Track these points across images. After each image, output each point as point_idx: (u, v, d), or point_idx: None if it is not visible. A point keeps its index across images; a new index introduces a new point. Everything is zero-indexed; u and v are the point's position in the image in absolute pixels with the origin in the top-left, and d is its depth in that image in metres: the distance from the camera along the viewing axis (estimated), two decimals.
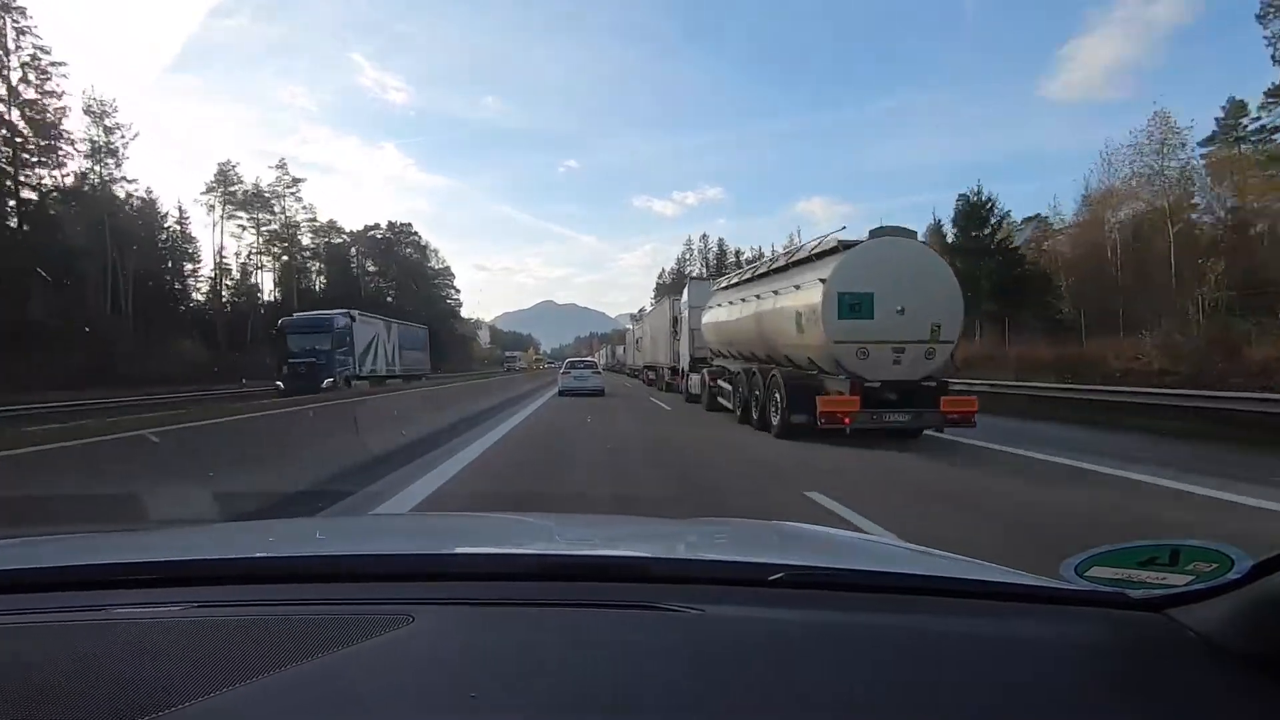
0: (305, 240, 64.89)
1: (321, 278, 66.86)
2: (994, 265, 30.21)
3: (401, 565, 0.96)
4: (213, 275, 56.10)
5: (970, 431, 8.35)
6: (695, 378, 16.46)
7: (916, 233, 8.39)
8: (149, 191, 51.70)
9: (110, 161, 45.19)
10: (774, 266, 10.90)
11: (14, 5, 36.73)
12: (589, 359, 30.21)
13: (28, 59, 37.35)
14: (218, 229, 56.64)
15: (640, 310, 65.87)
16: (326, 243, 67.81)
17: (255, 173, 61.35)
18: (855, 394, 8.05)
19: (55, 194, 40.87)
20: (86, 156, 43.68)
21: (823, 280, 8.25)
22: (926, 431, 8.70)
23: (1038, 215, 36.97)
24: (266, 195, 60.51)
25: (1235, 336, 17.53)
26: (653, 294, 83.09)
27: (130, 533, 1.89)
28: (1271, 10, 26.08)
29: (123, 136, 45.23)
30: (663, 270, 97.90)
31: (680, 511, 4.06)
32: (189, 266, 55.40)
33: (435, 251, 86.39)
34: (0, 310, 29.46)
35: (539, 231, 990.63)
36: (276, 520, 3.37)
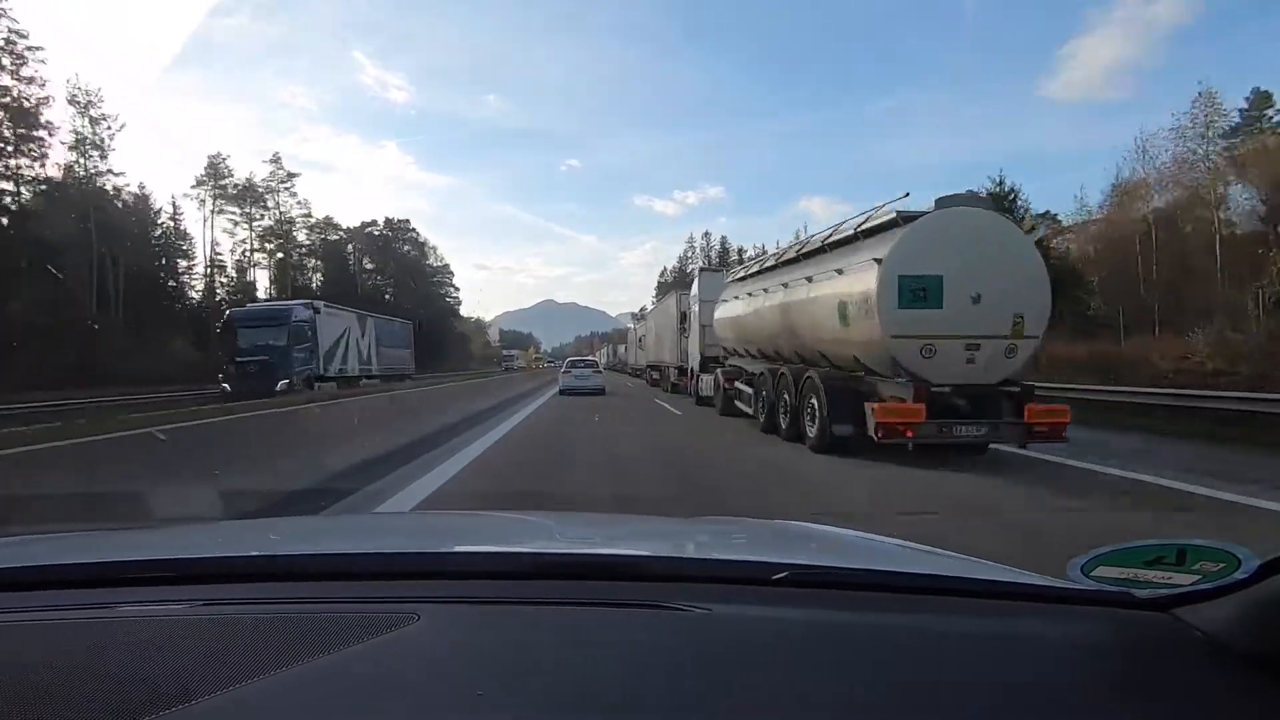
0: (301, 237, 63.60)
1: (318, 275, 65.45)
2: None
3: (407, 564, 0.95)
4: (207, 272, 54.70)
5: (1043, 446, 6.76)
6: (707, 378, 14.91)
7: (993, 202, 6.81)
8: (142, 187, 50.57)
9: (95, 154, 43.91)
10: (806, 250, 9.34)
11: None
12: (589, 358, 29.32)
13: (0, 43, 35.77)
14: (208, 224, 55.25)
15: (641, 309, 64.82)
16: (323, 239, 66.37)
17: (254, 171, 59.76)
18: (920, 401, 6.49)
19: (38, 186, 39.38)
20: (71, 148, 42.38)
21: (878, 261, 6.69)
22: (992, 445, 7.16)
23: (1046, 211, 35.45)
24: (260, 190, 59.07)
25: None
26: (654, 293, 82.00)
27: (135, 530, 1.81)
28: None
29: (109, 128, 43.89)
30: (664, 269, 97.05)
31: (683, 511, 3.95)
32: (183, 264, 54.20)
33: (434, 249, 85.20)
34: None
35: (540, 231, 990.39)
36: (280, 518, 3.33)
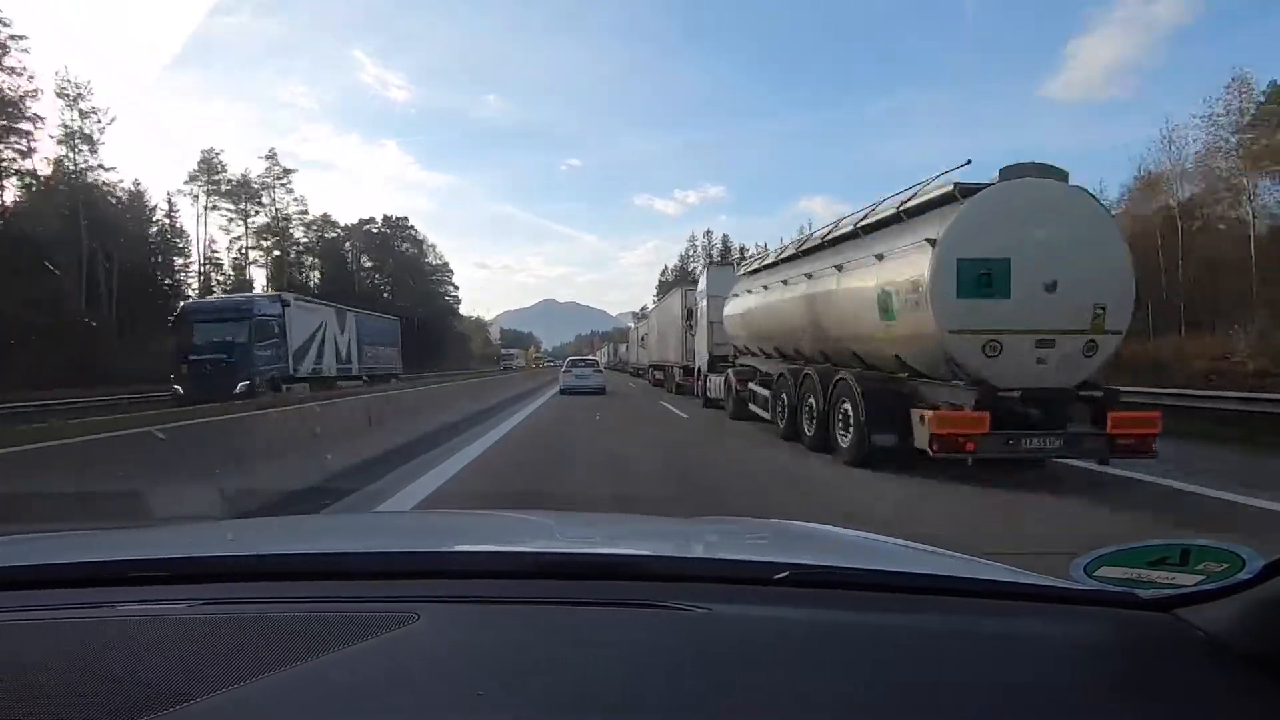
0: (298, 234, 62.58)
1: (316, 273, 64.47)
2: None
3: (407, 563, 0.94)
4: (203, 270, 53.76)
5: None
6: (716, 379, 13.88)
7: (1068, 172, 5.78)
8: (137, 184, 49.73)
9: (85, 148, 42.91)
10: (834, 235, 8.28)
11: None
12: (590, 357, 28.46)
13: None
14: (201, 220, 54.28)
15: (642, 308, 63.92)
16: (320, 237, 65.37)
17: (249, 167, 58.87)
18: (983, 409, 5.45)
19: (25, 180, 38.44)
20: (59, 142, 41.40)
21: (932, 242, 5.65)
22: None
23: None
24: (255, 186, 58.10)
25: None
26: (655, 292, 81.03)
27: (135, 529, 1.74)
28: None
29: (99, 121, 42.89)
30: (665, 267, 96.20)
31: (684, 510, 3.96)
32: (179, 261, 53.30)
33: (433, 247, 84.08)
34: None
35: (540, 230, 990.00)
36: (283, 517, 3.29)
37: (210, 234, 55.72)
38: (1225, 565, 0.73)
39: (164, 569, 0.90)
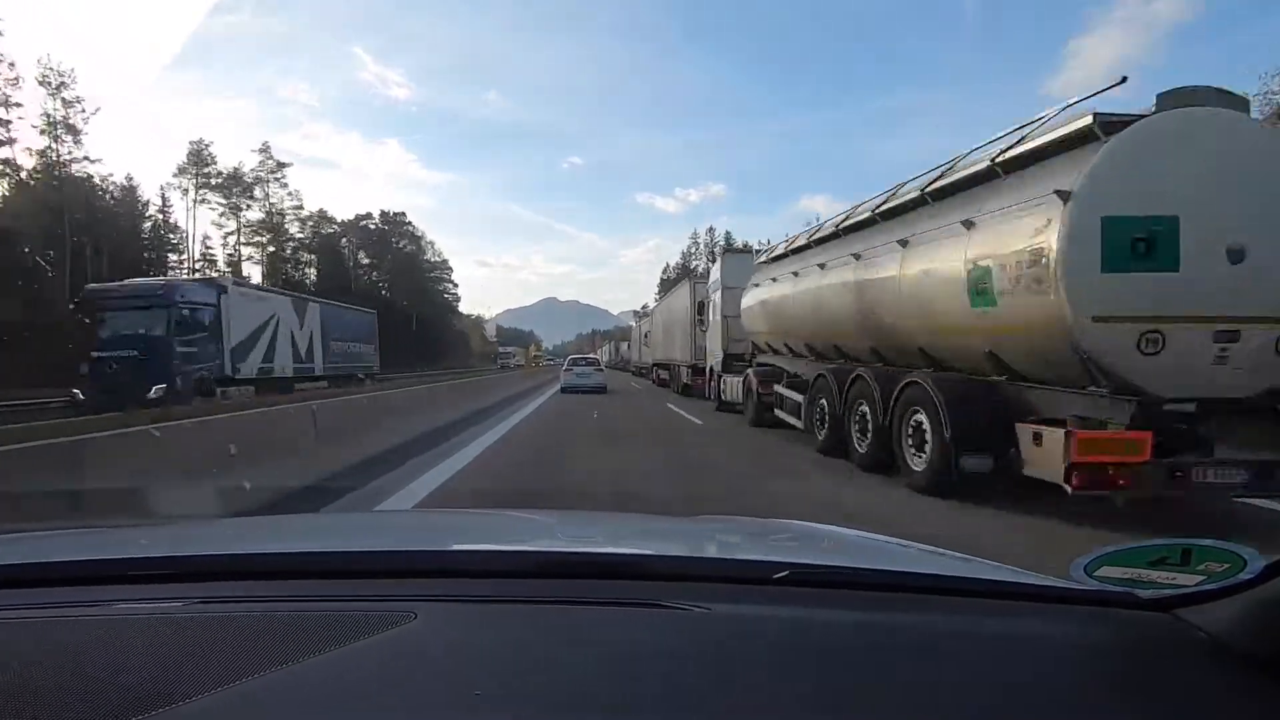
0: (294, 229, 61.03)
1: (313, 270, 62.94)
2: None
3: (405, 562, 0.94)
4: (196, 267, 52.15)
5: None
6: (733, 380, 12.33)
7: (1249, 101, 4.23)
8: (129, 178, 48.39)
9: (69, 139, 41.38)
10: (892, 205, 6.71)
11: None
12: (591, 356, 27.66)
13: None
14: (190, 214, 52.79)
15: (644, 306, 62.23)
16: (316, 233, 63.79)
17: (243, 160, 57.42)
18: (1142, 426, 3.89)
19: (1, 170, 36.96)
20: (42, 132, 39.88)
21: (1063, 196, 4.07)
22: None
23: None
24: (248, 180, 56.56)
25: None
26: (657, 290, 79.55)
27: (133, 528, 1.72)
28: None
29: (83, 111, 41.30)
30: (667, 265, 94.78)
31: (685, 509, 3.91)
32: (174, 258, 51.79)
33: (431, 243, 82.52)
34: None
35: (541, 228, 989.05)
36: (280, 516, 3.25)
37: (205, 230, 54.48)
38: (1226, 565, 0.72)
39: (162, 567, 0.89)
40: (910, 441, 5.54)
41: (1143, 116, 4.09)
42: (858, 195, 9.28)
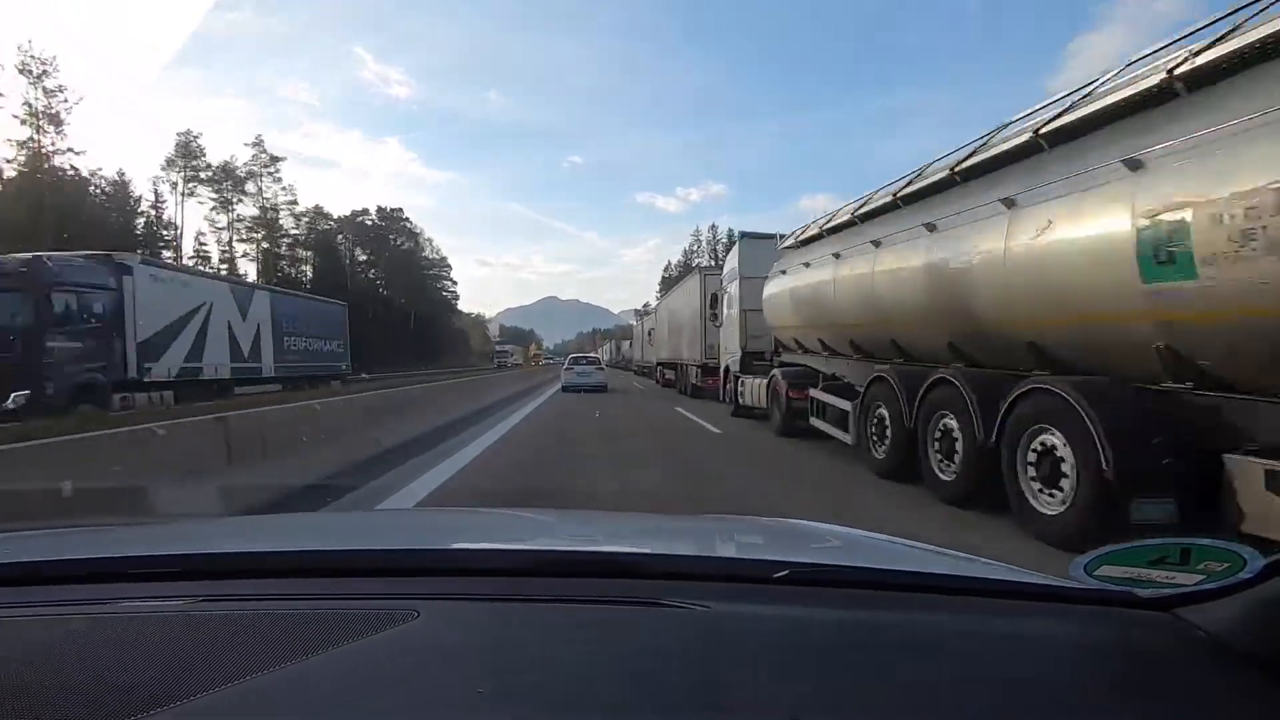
0: (289, 225, 59.49)
1: (309, 267, 61.44)
2: None
3: (407, 561, 0.94)
4: (191, 264, 50.66)
5: None
6: (754, 382, 10.80)
7: None
8: (121, 174, 47.03)
9: (52, 129, 39.90)
10: (991, 154, 5.14)
11: None
12: (592, 355, 27.04)
13: None
14: (180, 207, 51.27)
15: (645, 305, 60.60)
16: (312, 229, 62.28)
17: (235, 154, 55.95)
18: None
19: None
20: (22, 122, 38.42)
21: None
22: None
23: None
24: (241, 175, 55.02)
25: None
26: (658, 288, 78.01)
27: (136, 526, 1.76)
28: None
29: (65, 100, 39.81)
30: (669, 263, 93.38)
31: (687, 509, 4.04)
32: (168, 255, 50.29)
33: (429, 240, 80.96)
34: None
35: (542, 227, 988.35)
36: (282, 515, 3.31)
37: (199, 227, 53.23)
38: (1226, 564, 0.71)
39: (166, 565, 0.89)
40: (1034, 473, 4.00)
41: None
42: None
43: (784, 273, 9.51)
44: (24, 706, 0.54)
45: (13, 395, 9.80)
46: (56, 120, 39.85)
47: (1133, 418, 3.49)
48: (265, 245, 57.34)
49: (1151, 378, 3.64)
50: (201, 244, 53.80)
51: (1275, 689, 0.60)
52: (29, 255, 12.46)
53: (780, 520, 1.52)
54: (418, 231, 76.96)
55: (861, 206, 7.41)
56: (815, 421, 8.04)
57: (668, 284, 62.47)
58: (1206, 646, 0.66)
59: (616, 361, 55.74)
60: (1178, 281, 3.23)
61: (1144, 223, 3.39)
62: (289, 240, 60.39)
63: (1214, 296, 3.09)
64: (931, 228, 5.54)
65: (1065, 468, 3.75)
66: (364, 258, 70.83)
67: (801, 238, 9.40)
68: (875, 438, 6.23)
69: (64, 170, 40.83)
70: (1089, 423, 3.54)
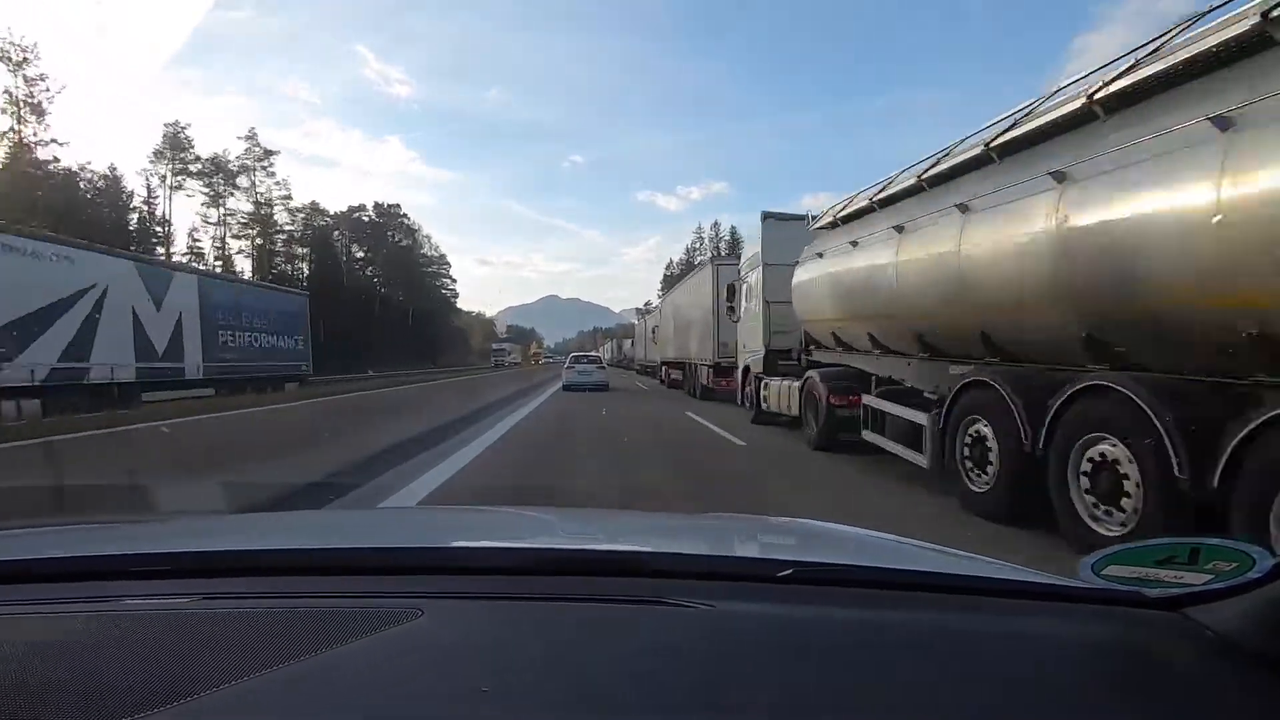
0: (284, 220, 58.03)
1: (305, 264, 60.00)
2: None
3: (411, 559, 0.93)
4: (185, 261, 49.20)
5: None
6: (780, 384, 9.29)
7: None
8: (113, 169, 45.73)
9: (34, 119, 38.48)
10: (1136, 78, 3.63)
11: None
12: (593, 354, 26.68)
13: None
14: (168, 201, 49.86)
15: (647, 303, 59.06)
16: (308, 225, 60.81)
17: (228, 148, 54.60)
18: None
19: None
20: (2, 111, 37.01)
21: None
22: None
23: None
24: (233, 168, 53.54)
25: None
26: (659, 286, 76.50)
27: (138, 524, 1.73)
28: None
29: (47, 90, 38.39)
30: (670, 261, 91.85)
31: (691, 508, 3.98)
32: (161, 252, 48.85)
33: (428, 237, 79.43)
34: None
35: (543, 226, 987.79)
36: (285, 512, 3.30)
37: (192, 222, 51.82)
38: (1234, 564, 0.70)
39: (168, 563, 0.89)
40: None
41: None
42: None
43: (820, 256, 8.00)
44: (24, 704, 0.54)
45: None
46: (39, 110, 38.55)
47: None
48: (260, 241, 55.90)
49: None
50: (195, 240, 52.38)
51: None
52: None
53: (783, 519, 1.53)
54: (415, 228, 75.52)
55: (932, 167, 5.89)
56: (870, 435, 6.52)
57: (669, 282, 61.01)
58: (1215, 646, 0.65)
59: (618, 360, 54.59)
60: None
61: None
62: (284, 236, 58.93)
63: None
64: (1061, 178, 4.02)
65: None
66: (361, 255, 69.38)
67: (842, 213, 7.86)
68: (968, 464, 4.71)
69: (48, 162, 39.46)
70: None
